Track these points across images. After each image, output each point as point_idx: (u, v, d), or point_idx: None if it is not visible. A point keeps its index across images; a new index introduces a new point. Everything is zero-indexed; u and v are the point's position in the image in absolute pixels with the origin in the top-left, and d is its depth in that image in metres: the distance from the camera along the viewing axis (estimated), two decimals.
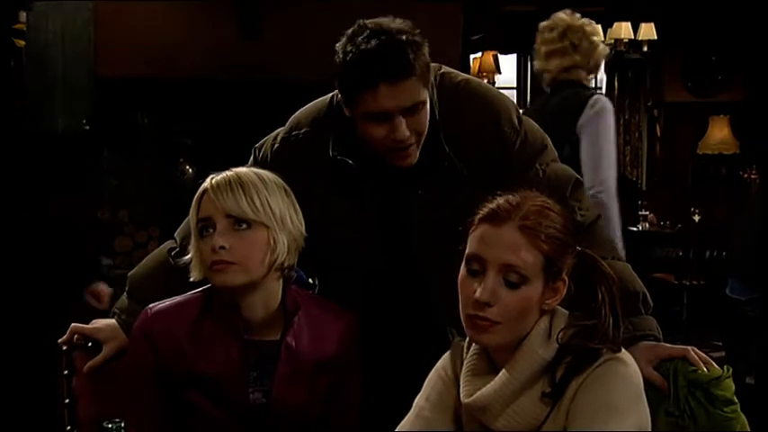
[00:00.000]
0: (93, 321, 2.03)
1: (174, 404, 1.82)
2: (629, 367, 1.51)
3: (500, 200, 1.56)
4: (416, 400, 1.67)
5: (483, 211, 1.56)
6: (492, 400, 1.53)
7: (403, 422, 1.65)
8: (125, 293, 2.04)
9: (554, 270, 1.53)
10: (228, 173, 1.82)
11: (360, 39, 1.78)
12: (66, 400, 2.02)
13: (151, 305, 1.87)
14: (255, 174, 1.83)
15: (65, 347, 2.01)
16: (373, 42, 1.77)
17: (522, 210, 1.53)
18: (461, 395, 1.58)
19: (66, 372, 2.02)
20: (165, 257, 2.01)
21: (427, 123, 1.85)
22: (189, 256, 1.84)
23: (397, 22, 1.81)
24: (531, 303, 1.52)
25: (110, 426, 1.54)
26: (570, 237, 1.56)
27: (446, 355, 1.69)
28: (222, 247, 1.75)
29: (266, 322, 1.84)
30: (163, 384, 1.82)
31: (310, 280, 2.15)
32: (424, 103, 1.81)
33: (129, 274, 2.08)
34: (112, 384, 1.92)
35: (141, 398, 1.83)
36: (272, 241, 1.79)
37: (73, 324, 2.02)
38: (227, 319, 1.82)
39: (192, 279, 1.84)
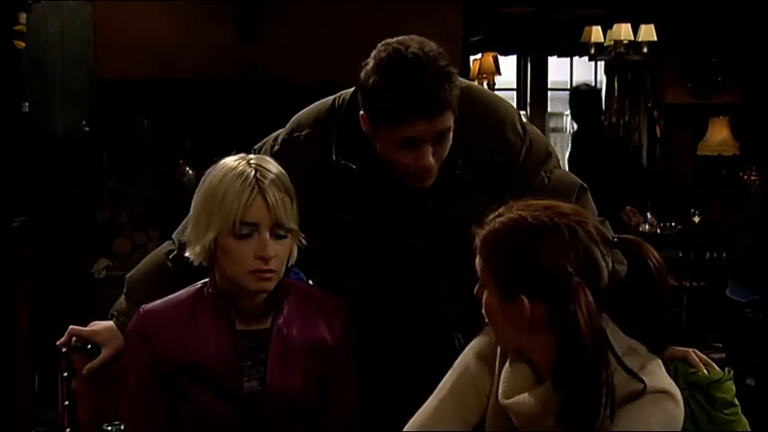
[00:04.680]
0: (92, 324, 2.03)
1: (172, 398, 1.82)
2: (678, 405, 1.50)
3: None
4: (461, 358, 1.68)
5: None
6: (532, 410, 1.52)
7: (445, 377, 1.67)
8: (123, 295, 2.03)
9: (506, 285, 1.52)
10: (271, 173, 1.79)
11: (395, 69, 1.74)
12: (66, 402, 2.01)
13: (144, 305, 1.87)
14: (281, 172, 1.82)
15: (64, 349, 2.01)
16: (412, 77, 1.72)
17: (495, 222, 1.55)
18: (499, 393, 1.57)
19: (65, 374, 2.01)
20: (163, 260, 2.01)
21: (450, 147, 1.84)
22: (198, 247, 1.80)
23: (428, 49, 1.76)
24: (490, 310, 1.55)
25: (109, 428, 1.55)
26: (534, 260, 1.49)
27: (484, 338, 1.67)
28: (273, 257, 1.77)
29: (258, 311, 1.85)
30: (160, 380, 1.82)
31: (310, 282, 2.15)
32: (450, 128, 1.80)
33: (127, 276, 2.07)
34: (111, 386, 1.91)
35: (138, 398, 1.83)
36: (292, 246, 1.83)
37: (71, 326, 2.02)
38: (219, 311, 1.83)
39: (195, 264, 1.83)
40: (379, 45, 1.80)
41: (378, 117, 1.80)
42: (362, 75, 1.79)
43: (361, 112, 1.83)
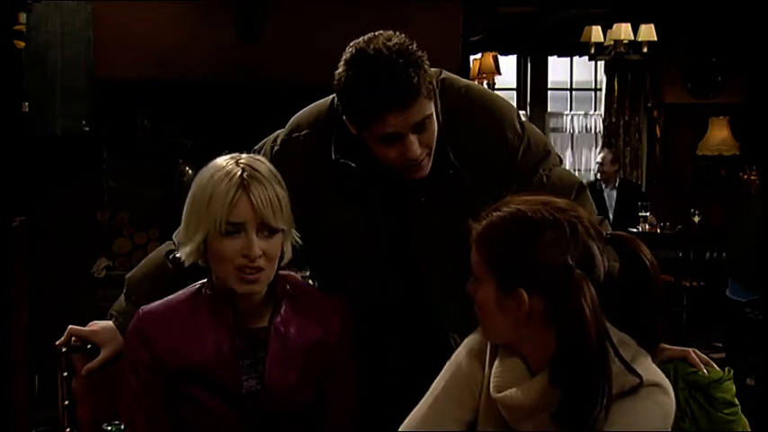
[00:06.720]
0: (91, 324, 2.03)
1: (172, 398, 1.82)
2: (670, 397, 1.50)
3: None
4: (454, 358, 1.67)
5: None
6: (524, 403, 1.52)
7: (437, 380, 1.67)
8: (123, 295, 2.03)
9: (505, 279, 1.51)
10: (259, 172, 1.77)
11: (361, 68, 1.74)
12: (66, 402, 2.01)
13: (143, 306, 1.87)
14: (272, 172, 1.81)
15: (63, 349, 2.01)
16: (376, 72, 1.72)
17: (493, 215, 1.55)
18: (491, 388, 1.57)
19: (65, 374, 2.01)
20: (163, 260, 2.00)
21: (436, 133, 1.84)
22: (189, 247, 1.80)
23: (393, 41, 1.76)
24: (485, 304, 1.54)
25: (109, 428, 1.54)
26: (534, 253, 1.49)
27: (476, 335, 1.67)
28: (259, 256, 1.75)
29: (256, 310, 1.84)
30: (160, 380, 1.82)
31: (310, 281, 2.15)
32: (431, 115, 1.80)
33: (126, 276, 2.07)
34: (111, 386, 1.92)
35: (139, 398, 1.83)
36: (283, 245, 1.81)
37: (70, 326, 2.02)
38: (217, 311, 1.83)
39: (186, 265, 1.82)
40: (348, 46, 1.79)
41: (354, 119, 1.81)
42: (334, 80, 1.79)
43: (344, 117, 1.83)
